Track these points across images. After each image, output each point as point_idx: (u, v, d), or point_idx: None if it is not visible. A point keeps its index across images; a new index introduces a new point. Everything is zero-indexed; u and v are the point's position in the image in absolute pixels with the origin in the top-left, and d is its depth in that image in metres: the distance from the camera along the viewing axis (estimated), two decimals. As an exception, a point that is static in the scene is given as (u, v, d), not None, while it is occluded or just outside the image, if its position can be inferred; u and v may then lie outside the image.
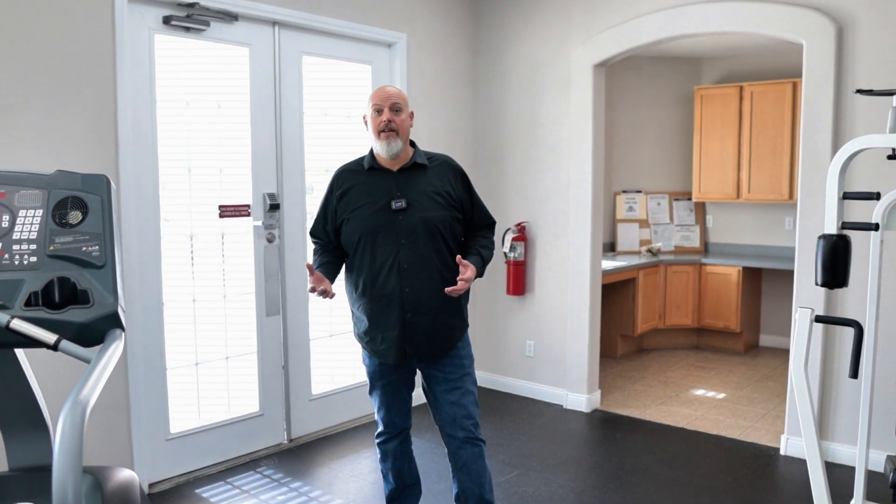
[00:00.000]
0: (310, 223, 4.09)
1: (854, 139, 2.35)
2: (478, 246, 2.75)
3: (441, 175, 2.71)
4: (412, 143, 2.75)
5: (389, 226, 2.60)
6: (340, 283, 2.71)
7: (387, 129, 2.60)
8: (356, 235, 2.63)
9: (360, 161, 2.75)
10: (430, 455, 3.94)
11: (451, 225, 2.68)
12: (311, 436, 4.26)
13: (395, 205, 2.60)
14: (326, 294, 2.56)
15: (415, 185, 2.65)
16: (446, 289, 2.55)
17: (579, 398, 4.78)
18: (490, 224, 2.86)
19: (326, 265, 2.71)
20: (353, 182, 2.69)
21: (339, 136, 4.35)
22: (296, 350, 4.16)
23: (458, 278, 2.56)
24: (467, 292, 2.70)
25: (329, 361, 4.39)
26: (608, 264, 5.85)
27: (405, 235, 2.59)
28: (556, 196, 4.82)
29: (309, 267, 2.56)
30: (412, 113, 2.74)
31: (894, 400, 3.61)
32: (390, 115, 2.60)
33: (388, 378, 2.77)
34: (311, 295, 4.14)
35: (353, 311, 2.77)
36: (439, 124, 4.91)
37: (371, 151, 2.71)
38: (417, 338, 2.63)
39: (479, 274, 2.68)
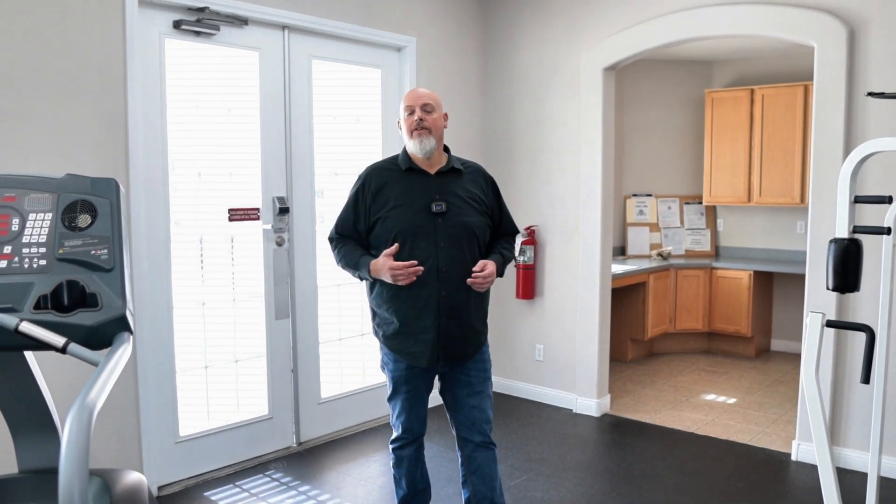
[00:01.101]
0: (319, 226, 4.15)
1: (866, 142, 2.32)
2: (499, 248, 2.81)
3: (475, 182, 2.76)
4: (446, 149, 2.77)
5: (428, 228, 2.60)
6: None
7: (419, 128, 2.63)
8: (391, 235, 2.60)
9: (393, 160, 2.75)
10: (439, 459, 3.93)
11: (485, 231, 2.73)
12: (320, 439, 4.27)
13: (435, 207, 2.61)
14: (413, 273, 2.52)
15: (453, 190, 2.67)
16: (468, 280, 2.58)
17: (589, 402, 4.76)
18: (514, 232, 2.93)
19: (367, 255, 2.66)
20: (387, 180, 2.68)
21: (348, 139, 4.36)
22: (305, 353, 4.17)
23: (481, 275, 2.57)
24: (489, 295, 2.75)
25: (338, 365, 4.39)
26: (618, 268, 5.83)
27: (444, 238, 2.60)
28: (565, 200, 4.81)
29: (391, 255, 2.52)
30: (446, 115, 2.77)
31: (907, 405, 3.57)
32: (422, 114, 2.64)
33: (413, 383, 2.75)
34: (319, 298, 4.18)
35: (377, 312, 2.73)
36: (449, 128, 4.88)
37: (406, 152, 2.71)
38: (451, 341, 2.64)
39: (500, 273, 2.72)
